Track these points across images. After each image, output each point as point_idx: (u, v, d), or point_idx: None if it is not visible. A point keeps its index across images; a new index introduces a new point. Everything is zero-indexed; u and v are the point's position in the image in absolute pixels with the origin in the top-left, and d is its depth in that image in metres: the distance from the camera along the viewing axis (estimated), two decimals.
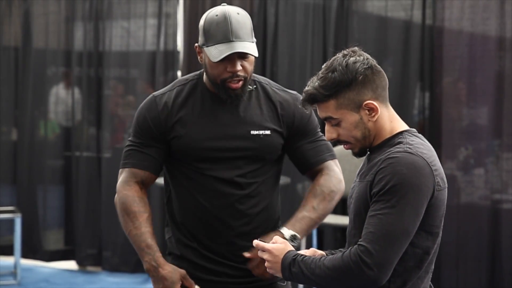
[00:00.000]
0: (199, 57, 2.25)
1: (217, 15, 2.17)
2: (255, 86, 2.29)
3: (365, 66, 1.80)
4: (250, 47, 2.16)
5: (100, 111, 5.65)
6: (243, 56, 2.17)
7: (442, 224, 1.81)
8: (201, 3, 5.20)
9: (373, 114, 1.80)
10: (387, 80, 1.85)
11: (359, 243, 1.71)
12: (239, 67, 2.16)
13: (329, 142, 2.33)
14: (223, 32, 2.14)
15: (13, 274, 5.31)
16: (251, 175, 2.26)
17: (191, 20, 5.26)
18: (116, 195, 2.29)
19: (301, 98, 1.85)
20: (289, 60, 4.94)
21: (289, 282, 2.36)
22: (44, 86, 5.76)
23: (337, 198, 2.34)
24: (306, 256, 1.80)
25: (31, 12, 5.78)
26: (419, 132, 1.87)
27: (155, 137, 2.26)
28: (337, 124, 1.82)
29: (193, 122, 2.25)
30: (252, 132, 2.25)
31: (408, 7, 4.67)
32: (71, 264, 5.73)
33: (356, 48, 1.84)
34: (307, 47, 4.86)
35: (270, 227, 2.30)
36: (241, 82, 2.19)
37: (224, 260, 2.28)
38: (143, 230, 2.22)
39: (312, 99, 1.81)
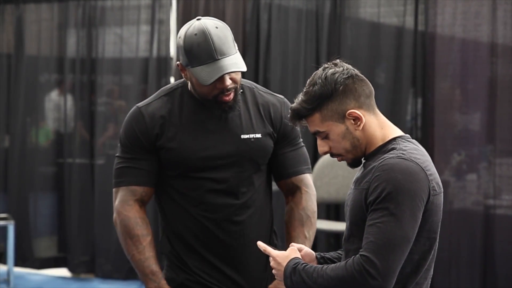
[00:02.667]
0: (183, 75, 2.20)
1: (196, 34, 2.10)
2: (241, 90, 2.25)
3: (344, 76, 1.81)
4: (237, 61, 2.12)
5: (93, 117, 5.64)
6: None
7: (439, 229, 1.82)
8: (194, 9, 5.21)
9: (358, 123, 1.81)
10: (371, 88, 1.85)
11: (361, 253, 1.71)
12: (228, 82, 2.13)
13: (306, 153, 2.35)
14: (206, 52, 2.09)
15: (6, 281, 5.28)
16: (244, 182, 2.24)
17: None
18: (115, 216, 2.23)
19: (289, 115, 1.87)
20: (282, 66, 4.94)
21: None
22: (36, 93, 5.76)
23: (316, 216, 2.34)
24: (307, 264, 1.80)
25: (24, 18, 5.78)
26: (411, 138, 1.88)
27: (146, 149, 2.21)
28: (325, 137, 1.84)
29: (182, 132, 2.20)
30: (242, 136, 2.23)
31: (401, 13, 4.69)
32: (63, 271, 5.71)
33: (337, 60, 1.86)
34: (300, 53, 4.87)
35: (265, 238, 2.28)
36: (232, 94, 2.16)
37: (218, 272, 2.26)
38: (147, 255, 2.20)
39: (297, 114, 1.83)
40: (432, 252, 1.80)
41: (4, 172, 5.86)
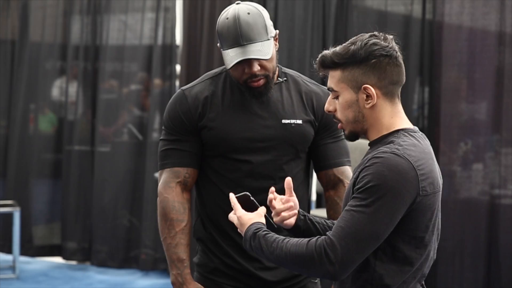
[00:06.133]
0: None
1: (227, 18, 2.17)
2: (285, 79, 2.30)
3: (382, 52, 1.76)
4: (262, 49, 2.15)
5: (96, 104, 5.62)
6: None
7: (432, 228, 1.76)
8: None
9: (369, 101, 1.77)
10: (402, 78, 1.80)
11: (327, 234, 1.69)
12: (256, 68, 2.17)
13: (347, 145, 2.34)
14: (233, 36, 2.15)
15: (12, 268, 5.30)
16: (283, 167, 2.25)
17: (190, 14, 5.24)
18: (158, 197, 2.28)
19: (317, 59, 1.83)
20: (288, 54, 4.92)
21: (319, 281, 2.36)
22: (40, 79, 5.74)
23: None
24: (269, 233, 1.78)
25: (29, 5, 5.76)
26: (418, 131, 1.84)
27: (190, 130, 2.25)
28: (336, 97, 1.81)
29: (224, 112, 2.24)
30: (283, 121, 2.25)
31: (408, 1, 4.66)
32: (62, 259, 5.72)
33: (391, 36, 1.81)
34: (306, 42, 4.85)
35: None
36: (262, 81, 2.19)
37: (252, 260, 2.25)
38: (178, 241, 2.23)
39: (323, 61, 1.80)
40: (422, 251, 1.74)
41: (4, 158, 5.85)
